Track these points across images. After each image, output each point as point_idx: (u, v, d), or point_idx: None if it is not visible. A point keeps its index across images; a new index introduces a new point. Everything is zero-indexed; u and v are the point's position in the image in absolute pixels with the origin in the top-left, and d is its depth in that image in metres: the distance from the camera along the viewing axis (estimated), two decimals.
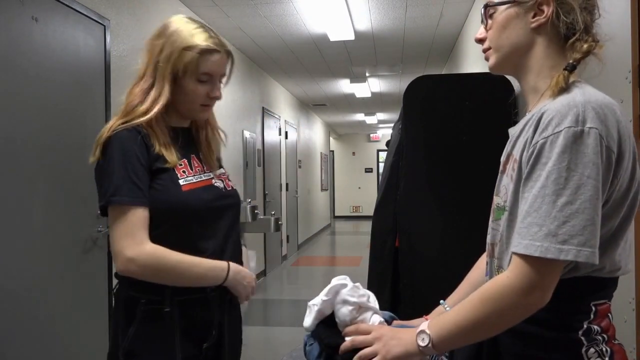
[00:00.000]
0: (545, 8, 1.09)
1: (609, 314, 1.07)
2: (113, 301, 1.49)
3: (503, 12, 1.13)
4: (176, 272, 1.39)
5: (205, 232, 1.48)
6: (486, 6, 1.16)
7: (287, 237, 9.39)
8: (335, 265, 9.15)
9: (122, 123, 1.43)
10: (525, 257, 0.98)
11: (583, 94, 1.02)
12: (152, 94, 1.44)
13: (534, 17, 1.10)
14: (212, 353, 1.48)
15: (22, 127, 2.72)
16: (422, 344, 1.06)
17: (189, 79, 1.46)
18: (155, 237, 1.40)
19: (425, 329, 1.07)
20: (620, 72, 1.77)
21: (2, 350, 2.53)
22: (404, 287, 2.98)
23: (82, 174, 3.22)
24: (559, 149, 0.97)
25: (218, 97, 1.51)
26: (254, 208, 6.16)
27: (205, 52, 1.45)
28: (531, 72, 1.13)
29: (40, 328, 2.78)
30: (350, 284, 1.23)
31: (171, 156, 1.45)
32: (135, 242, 1.35)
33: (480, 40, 1.19)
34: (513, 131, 1.15)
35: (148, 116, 1.43)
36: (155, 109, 1.44)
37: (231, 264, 1.47)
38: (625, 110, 1.63)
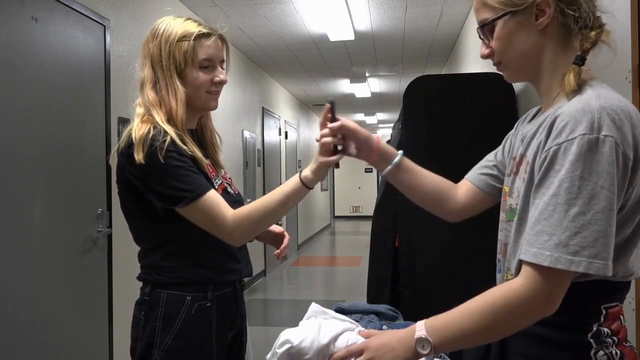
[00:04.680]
0: (545, 8, 1.05)
1: (620, 316, 1.06)
2: (140, 304, 1.50)
3: (503, 25, 1.09)
4: (269, 213, 1.42)
5: None
6: (482, 26, 1.12)
7: None
8: (335, 265, 9.15)
9: (168, 121, 1.46)
10: (534, 266, 0.96)
11: (598, 97, 0.98)
12: (172, 95, 1.47)
13: (537, 19, 1.06)
14: (233, 340, 1.60)
15: (22, 127, 2.72)
16: (423, 352, 1.03)
17: (190, 68, 1.49)
18: (180, 230, 1.45)
19: (423, 335, 1.03)
20: (620, 72, 1.76)
21: (2, 350, 2.53)
22: (404, 287, 2.98)
23: (82, 174, 3.22)
24: (573, 157, 0.94)
25: (223, 81, 1.54)
26: None
27: (199, 37, 1.49)
28: (545, 74, 1.10)
29: (39, 328, 2.78)
30: (290, 343, 1.24)
31: (202, 159, 1.49)
32: (224, 216, 1.41)
33: (488, 56, 1.15)
34: (525, 130, 1.12)
35: (183, 120, 1.48)
36: (182, 110, 1.47)
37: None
38: None
